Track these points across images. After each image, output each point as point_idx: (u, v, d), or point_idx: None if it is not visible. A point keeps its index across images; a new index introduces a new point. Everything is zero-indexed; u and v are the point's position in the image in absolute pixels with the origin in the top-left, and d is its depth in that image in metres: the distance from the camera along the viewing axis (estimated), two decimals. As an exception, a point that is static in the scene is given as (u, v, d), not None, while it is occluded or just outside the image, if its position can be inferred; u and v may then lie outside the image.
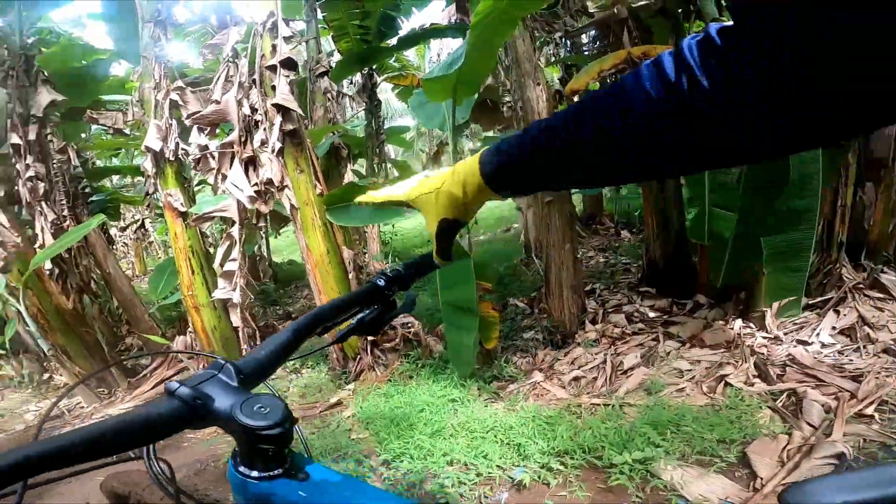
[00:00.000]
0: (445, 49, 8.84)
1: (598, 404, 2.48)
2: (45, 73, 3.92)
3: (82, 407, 3.99)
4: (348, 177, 4.29)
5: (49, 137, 3.94)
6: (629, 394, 2.53)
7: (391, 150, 10.45)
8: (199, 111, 3.29)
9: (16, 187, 3.90)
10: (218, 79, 3.18)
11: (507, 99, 4.56)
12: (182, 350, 4.15)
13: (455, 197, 0.61)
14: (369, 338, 3.25)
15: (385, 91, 8.54)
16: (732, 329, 2.85)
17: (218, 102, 3.15)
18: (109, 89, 4.90)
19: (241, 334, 3.55)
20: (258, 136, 3.29)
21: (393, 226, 8.21)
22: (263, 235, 6.09)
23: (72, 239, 3.76)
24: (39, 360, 4.68)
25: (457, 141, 4.04)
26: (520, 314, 3.92)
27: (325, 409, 3.12)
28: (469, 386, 2.89)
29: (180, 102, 3.44)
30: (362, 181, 4.47)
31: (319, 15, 4.44)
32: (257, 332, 3.69)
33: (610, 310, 3.58)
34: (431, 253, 0.69)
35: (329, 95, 4.50)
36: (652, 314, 3.42)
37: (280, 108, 3.03)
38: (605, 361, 2.90)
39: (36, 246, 3.99)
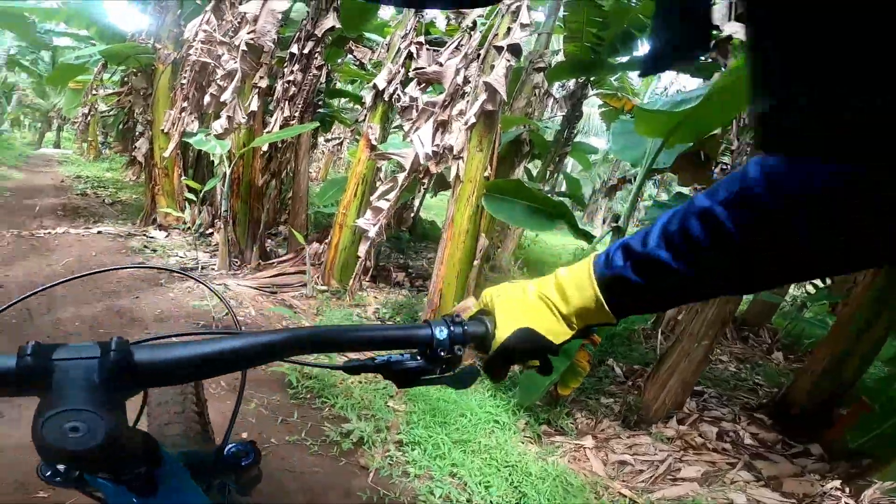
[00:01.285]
0: (677, 84, 8.32)
1: (626, 497, 2.26)
2: (338, 2, 4.77)
3: (213, 269, 4.76)
4: (518, 171, 4.37)
5: (316, 54, 4.80)
6: (661, 501, 2.26)
7: (571, 163, 10.29)
8: (424, 68, 3.67)
9: (275, 84, 4.85)
10: (450, 44, 3.51)
11: (726, 160, 4.13)
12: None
13: (552, 305, 0.51)
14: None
15: (590, 105, 8.40)
16: (822, 486, 2.41)
17: (441, 65, 3.49)
18: (373, 28, 5.78)
19: (359, 265, 3.90)
20: (459, 105, 3.56)
21: (536, 235, 8.10)
22: (422, 191, 6.55)
23: (289, 133, 4.56)
24: (212, 215, 5.73)
25: (643, 183, 3.81)
26: (609, 378, 3.63)
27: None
28: (519, 416, 2.79)
29: (415, 55, 3.90)
30: (530, 182, 4.52)
31: (561, 13, 4.57)
32: (371, 270, 4.01)
33: (707, 419, 3.18)
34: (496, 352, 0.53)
35: (537, 91, 4.63)
36: (749, 441, 2.99)
37: (488, 88, 3.22)
38: (663, 461, 2.59)
39: (266, 131, 4.92)
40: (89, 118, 12.43)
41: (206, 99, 4.72)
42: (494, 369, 0.55)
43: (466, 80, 3.42)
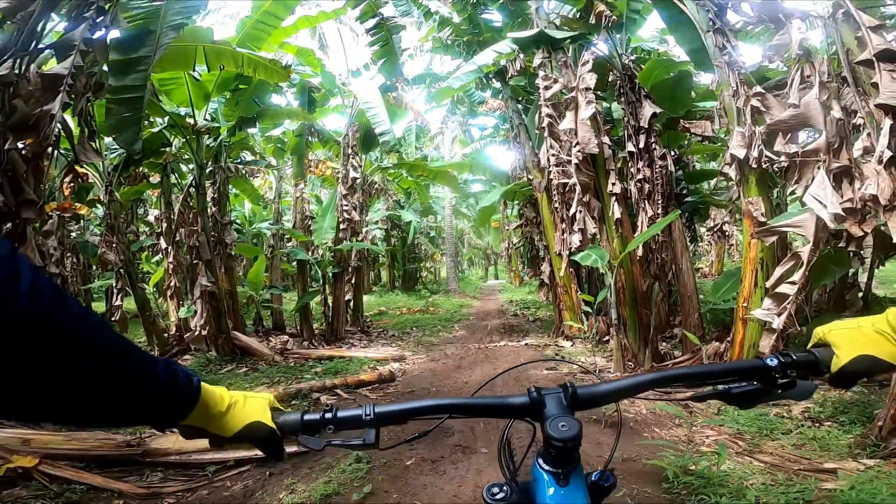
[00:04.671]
0: None
1: None
2: (646, 89, 4.65)
3: (609, 372, 4.82)
4: None
5: (653, 145, 4.75)
6: None
7: None
8: (779, 117, 3.05)
9: (627, 186, 5.01)
10: (792, 80, 2.83)
11: None
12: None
13: (887, 335, 0.62)
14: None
15: None
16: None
17: (796, 106, 2.81)
18: (703, 97, 5.23)
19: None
20: (858, 143, 2.72)
21: None
22: (861, 260, 4.92)
23: (655, 230, 4.49)
24: (607, 324, 5.95)
25: None
26: None
27: (810, 470, 2.45)
28: None
29: (762, 108, 3.29)
30: None
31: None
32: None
33: None
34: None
35: None
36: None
37: (889, 110, 2.36)
38: None
39: (636, 234, 5.04)
40: (510, 251, 15.93)
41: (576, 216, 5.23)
42: (839, 385, 0.66)
43: (849, 112, 2.60)
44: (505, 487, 0.68)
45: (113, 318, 7.13)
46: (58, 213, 9.14)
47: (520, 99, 7.62)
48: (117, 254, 6.73)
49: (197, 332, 6.47)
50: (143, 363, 0.53)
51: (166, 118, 6.04)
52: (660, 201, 4.82)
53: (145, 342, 7.28)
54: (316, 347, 7.40)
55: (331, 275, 8.19)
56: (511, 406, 0.65)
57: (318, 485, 2.71)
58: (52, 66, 2.98)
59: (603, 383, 0.67)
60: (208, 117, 6.56)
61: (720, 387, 0.68)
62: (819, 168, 2.91)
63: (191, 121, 6.14)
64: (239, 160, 8.09)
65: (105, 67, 3.48)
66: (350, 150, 7.81)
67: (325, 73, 7.65)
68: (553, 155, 5.48)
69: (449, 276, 18.11)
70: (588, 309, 6.02)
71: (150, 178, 8.08)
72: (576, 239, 4.84)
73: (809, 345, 0.68)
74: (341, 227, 7.84)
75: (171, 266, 7.00)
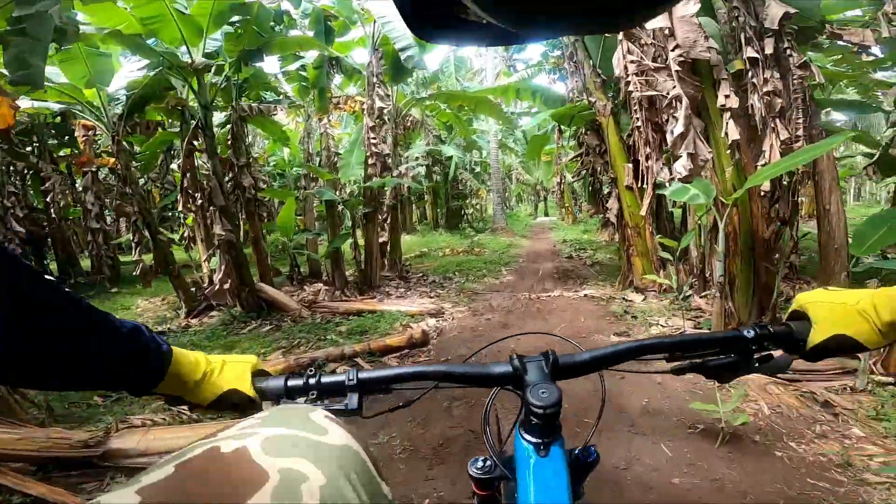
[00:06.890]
0: None
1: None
2: None
3: None
4: None
5: (787, 52, 3.33)
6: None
7: None
8: None
9: (749, 101, 3.60)
10: None
11: None
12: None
13: (867, 316, 0.59)
14: None
15: None
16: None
17: None
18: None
19: None
20: None
21: None
22: None
23: (799, 160, 3.12)
24: (696, 277, 4.80)
25: None
26: None
27: None
28: None
29: None
30: None
31: None
32: None
33: None
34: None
35: None
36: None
37: None
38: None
39: (760, 164, 3.68)
40: (562, 186, 14.46)
41: (670, 137, 3.99)
42: (810, 359, 0.64)
43: None
44: (488, 460, 0.67)
45: (134, 273, 6.68)
46: (77, 167, 8.61)
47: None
48: (132, 205, 6.13)
49: (217, 287, 5.87)
50: (107, 331, 0.54)
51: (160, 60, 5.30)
52: (801, 120, 3.43)
53: (175, 298, 6.81)
54: (348, 298, 6.68)
55: (361, 216, 7.29)
56: (494, 374, 0.64)
57: None
58: None
59: (584, 351, 0.65)
60: (213, 54, 5.72)
61: (698, 360, 0.66)
62: None
63: (187, 59, 5.33)
64: (259, 100, 7.26)
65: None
66: (375, 80, 6.72)
67: (340, -1, 6.49)
68: (632, 62, 4.17)
69: (496, 213, 16.94)
70: (667, 255, 4.88)
71: (166, 127, 7.32)
72: (679, 166, 3.61)
73: (790, 309, 0.67)
74: (370, 162, 6.86)
75: (190, 215, 6.33)
